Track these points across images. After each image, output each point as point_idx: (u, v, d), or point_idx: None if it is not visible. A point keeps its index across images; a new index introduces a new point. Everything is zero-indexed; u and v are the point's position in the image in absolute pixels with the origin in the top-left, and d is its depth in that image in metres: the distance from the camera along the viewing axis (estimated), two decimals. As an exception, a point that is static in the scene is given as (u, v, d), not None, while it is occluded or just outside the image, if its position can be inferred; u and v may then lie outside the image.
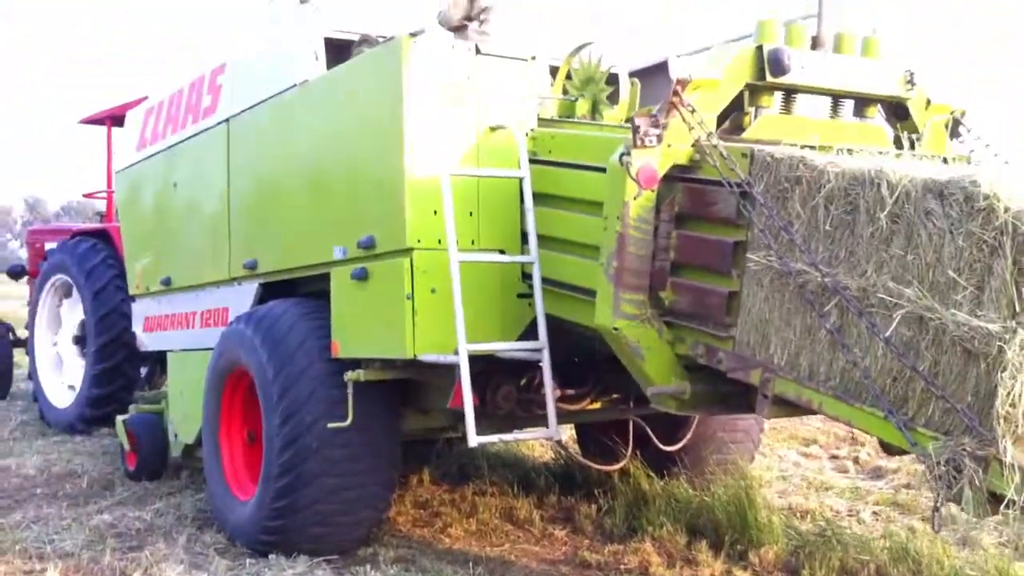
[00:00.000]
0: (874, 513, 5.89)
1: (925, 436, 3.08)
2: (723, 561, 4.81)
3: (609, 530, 5.48)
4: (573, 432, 6.83)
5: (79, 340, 9.06)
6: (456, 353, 4.16)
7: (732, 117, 4.18)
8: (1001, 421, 2.87)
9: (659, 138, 3.62)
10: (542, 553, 5.17)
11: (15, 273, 11.19)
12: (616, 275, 3.83)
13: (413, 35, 4.36)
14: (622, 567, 4.84)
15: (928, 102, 4.44)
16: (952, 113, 4.51)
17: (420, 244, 4.33)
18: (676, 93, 3.78)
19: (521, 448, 7.30)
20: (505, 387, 4.89)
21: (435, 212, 4.28)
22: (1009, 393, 2.86)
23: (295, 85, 5.14)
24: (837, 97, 4.34)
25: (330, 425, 4.58)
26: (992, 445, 2.88)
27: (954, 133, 4.52)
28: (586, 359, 4.99)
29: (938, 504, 3.05)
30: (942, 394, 3.00)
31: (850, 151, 3.90)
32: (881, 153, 4.07)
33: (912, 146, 4.40)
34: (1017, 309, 2.89)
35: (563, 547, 5.28)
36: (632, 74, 5.20)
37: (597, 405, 5.45)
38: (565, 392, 5.12)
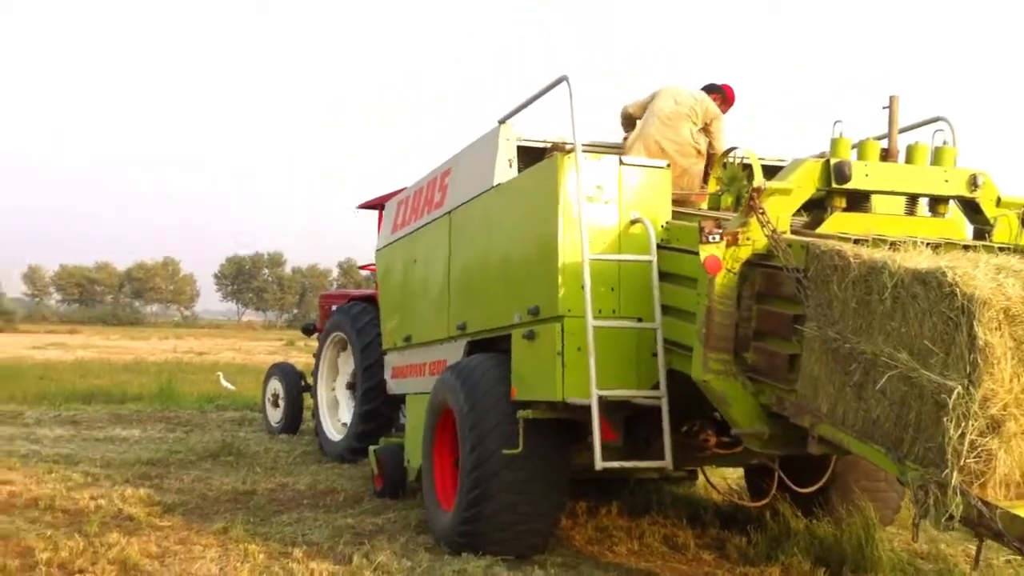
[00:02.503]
0: (1007, 560, 6.43)
1: (911, 468, 3.98)
2: (833, 584, 5.66)
3: (751, 557, 6.40)
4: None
5: (351, 386, 10.94)
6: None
7: (814, 215, 5.19)
8: (951, 455, 3.74)
9: (721, 236, 4.71)
10: (684, 570, 6.16)
11: (308, 331, 13.46)
12: (705, 338, 4.93)
13: (567, 153, 5.67)
14: (744, 583, 5.80)
15: (999, 199, 5.21)
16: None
17: (569, 313, 5.58)
18: (752, 199, 4.86)
19: (699, 490, 8.30)
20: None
21: (582, 287, 5.53)
22: (959, 434, 3.74)
23: (493, 187, 6.58)
24: (913, 197, 5.23)
25: (505, 451, 5.89)
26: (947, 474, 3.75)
27: (1025, 224, 5.26)
28: None
29: (915, 520, 3.93)
30: (911, 434, 3.90)
31: (913, 243, 4.80)
32: (945, 243, 4.93)
33: (982, 237, 5.20)
34: (969, 371, 3.76)
35: (706, 568, 6.25)
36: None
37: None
38: (721, 439, 6.14)
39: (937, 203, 5.27)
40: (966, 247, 4.95)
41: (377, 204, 10.67)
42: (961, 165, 5.43)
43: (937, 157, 5.23)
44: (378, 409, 9.97)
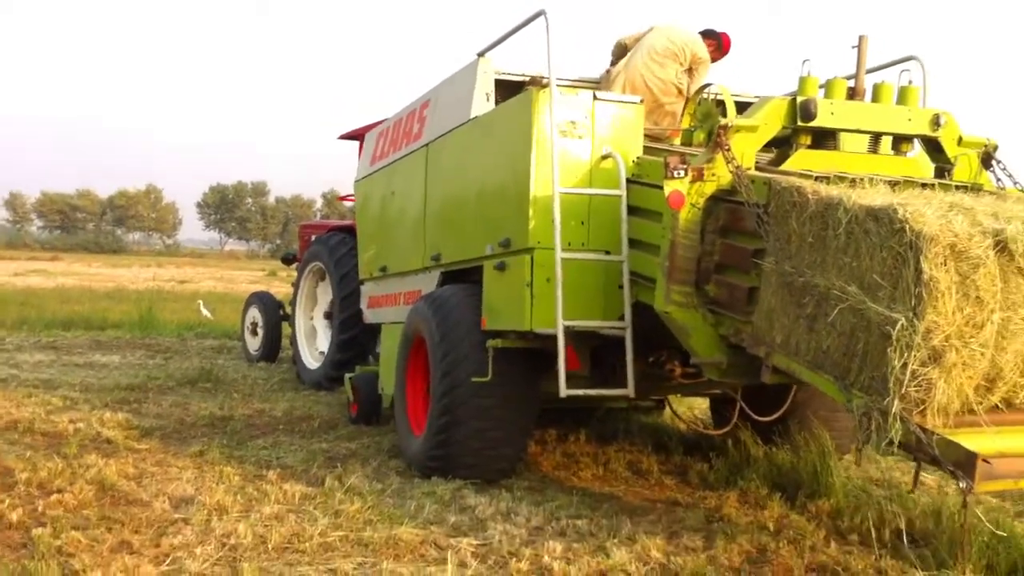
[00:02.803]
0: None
1: (857, 396, 4.15)
2: (786, 508, 5.87)
3: (711, 482, 6.62)
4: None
5: (328, 316, 11.08)
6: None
7: (780, 151, 5.30)
8: (893, 384, 3.91)
9: (686, 171, 4.82)
10: (647, 495, 6.37)
11: (287, 260, 13.54)
12: (668, 271, 5.07)
13: (542, 87, 5.75)
14: (702, 507, 5.99)
15: (960, 139, 5.33)
16: (985, 147, 5.38)
17: (539, 244, 5.70)
18: (719, 135, 4.97)
19: (666, 420, 8.53)
20: (634, 363, 6.18)
21: (552, 220, 5.64)
22: (902, 364, 3.90)
23: (470, 119, 6.65)
24: (876, 136, 5.34)
25: (474, 379, 6.05)
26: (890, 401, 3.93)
27: (986, 164, 5.39)
28: None
29: (859, 446, 4.12)
30: (858, 364, 4.07)
31: (872, 180, 4.93)
32: (904, 181, 5.07)
33: (943, 175, 5.33)
34: (914, 303, 3.92)
35: (667, 492, 6.46)
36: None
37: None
38: (686, 370, 6.31)
39: (900, 142, 5.39)
40: (924, 185, 5.08)
41: (359, 135, 10.69)
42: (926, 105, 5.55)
43: (902, 97, 5.33)
44: (355, 338, 10.11)
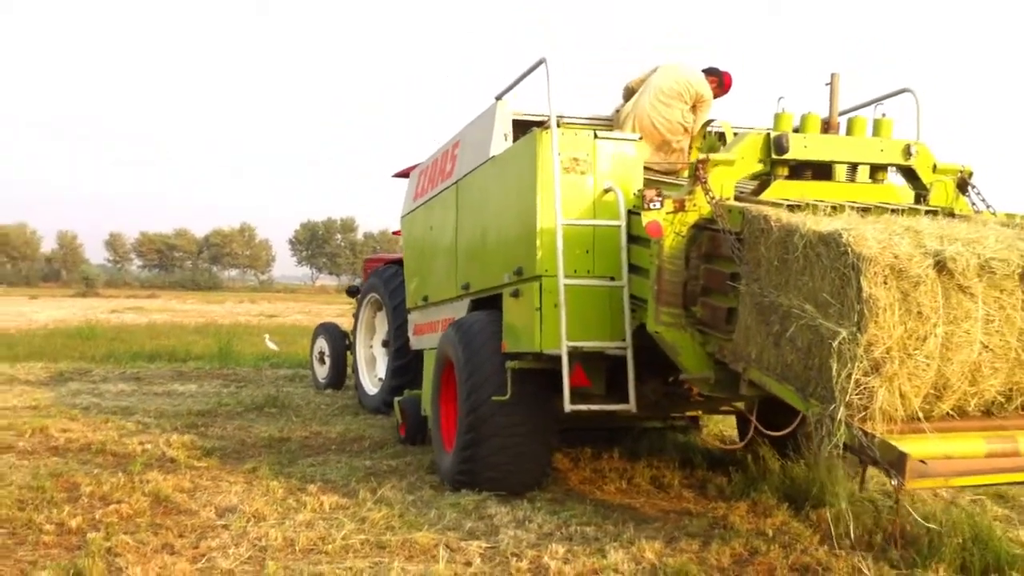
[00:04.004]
0: (972, 503, 6.89)
1: (813, 405, 4.52)
2: (789, 517, 6.19)
3: (727, 495, 6.95)
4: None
5: (386, 344, 11.69)
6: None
7: (760, 183, 5.70)
8: (838, 392, 4.28)
9: (661, 203, 5.26)
10: (663, 506, 6.73)
11: (351, 292, 14.22)
12: (656, 294, 5.50)
13: (544, 129, 6.24)
14: (709, 516, 6.35)
15: (935, 166, 5.67)
16: (960, 173, 5.70)
17: (547, 273, 6.18)
18: (698, 169, 5.40)
19: (698, 439, 8.87)
20: (653, 382, 6.62)
21: (556, 250, 6.11)
22: (846, 374, 4.27)
23: (489, 158, 7.18)
24: (854, 166, 5.71)
25: (494, 398, 6.53)
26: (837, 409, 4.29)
27: (962, 189, 5.70)
28: None
29: (816, 450, 4.47)
30: (814, 375, 4.45)
31: (842, 208, 5.30)
32: (878, 207, 5.42)
33: (918, 201, 5.67)
34: (857, 319, 4.29)
35: (685, 504, 6.80)
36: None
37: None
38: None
39: (876, 171, 5.74)
40: (895, 210, 5.42)
41: (407, 173, 11.28)
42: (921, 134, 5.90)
43: (876, 129, 5.69)
44: (408, 365, 10.66)
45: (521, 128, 7.24)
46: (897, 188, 5.80)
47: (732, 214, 5.23)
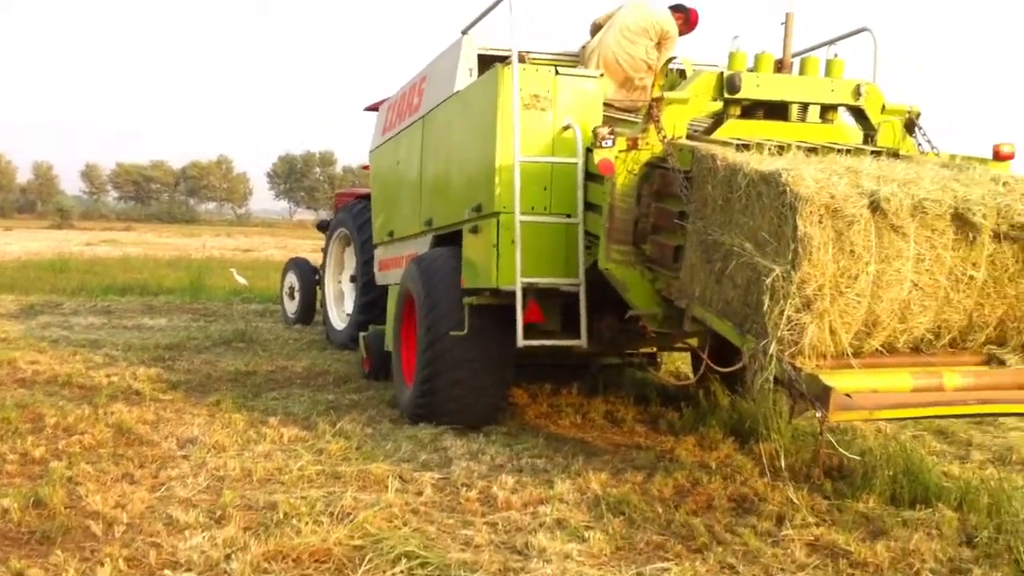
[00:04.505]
0: (914, 438, 7.12)
1: (749, 341, 4.67)
2: (733, 451, 6.40)
3: (676, 429, 7.15)
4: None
5: (354, 279, 11.78)
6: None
7: (713, 121, 5.79)
8: (770, 328, 4.42)
9: (613, 141, 5.34)
10: (616, 440, 6.92)
11: (322, 227, 14.26)
12: (608, 231, 5.61)
13: (506, 64, 6.28)
14: (657, 449, 6.54)
15: (883, 107, 5.76)
16: (908, 114, 5.80)
17: (504, 209, 6.26)
18: (652, 108, 5.47)
19: (655, 376, 9.07)
20: (609, 318, 6.75)
21: (519, 188, 6.18)
22: (779, 310, 4.40)
23: (454, 93, 7.21)
24: (804, 105, 5.80)
25: (451, 333, 6.65)
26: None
27: (909, 130, 5.81)
28: None
29: (749, 384, 4.64)
30: (751, 312, 4.59)
31: (789, 147, 5.41)
32: (824, 147, 5.53)
33: (866, 141, 5.77)
34: (791, 257, 4.41)
35: (636, 438, 7.00)
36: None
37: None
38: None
39: (826, 111, 5.83)
40: (842, 150, 5.53)
41: (377, 107, 11.27)
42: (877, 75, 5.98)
43: (829, 69, 5.77)
44: (375, 300, 10.73)
45: (487, 64, 7.26)
46: (847, 128, 5.90)
47: (682, 153, 5.33)
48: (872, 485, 5.41)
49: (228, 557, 4.14)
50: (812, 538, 4.72)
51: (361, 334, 9.37)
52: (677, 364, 9.87)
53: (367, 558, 4.18)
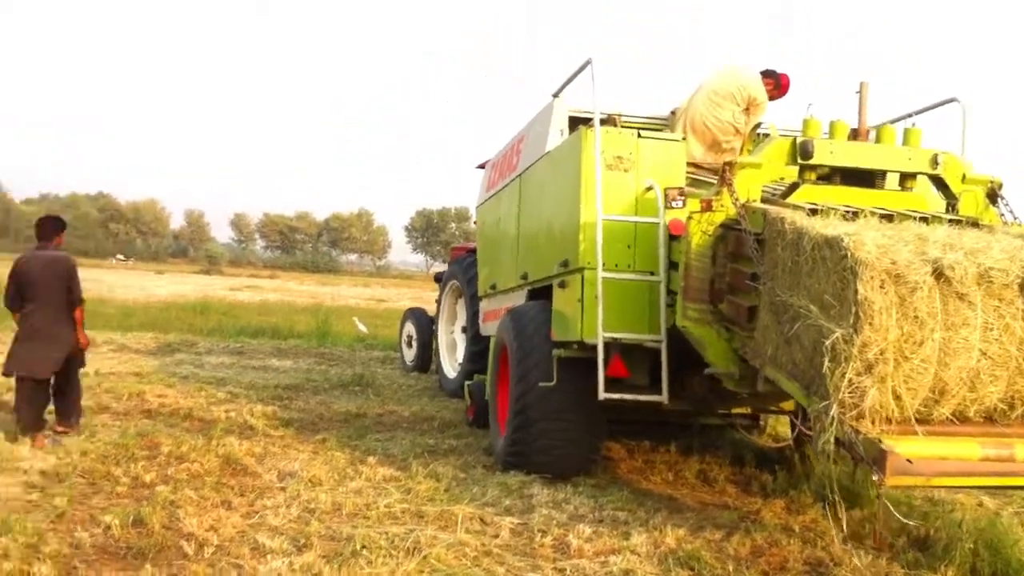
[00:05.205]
0: (1016, 514, 6.94)
1: (815, 402, 4.76)
2: (822, 515, 6.36)
3: (768, 491, 7.15)
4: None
5: (464, 330, 12.17)
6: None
7: (789, 186, 5.93)
8: (832, 390, 4.51)
9: (684, 203, 5.53)
10: (704, 499, 6.96)
11: (439, 279, 14.75)
12: (684, 290, 5.78)
13: (589, 127, 6.55)
14: (745, 509, 6.56)
15: (964, 176, 5.79)
16: (990, 184, 5.82)
17: (588, 265, 6.49)
18: (725, 171, 5.66)
19: (755, 438, 9.06)
20: (700, 377, 6.89)
21: (601, 245, 6.42)
22: (841, 373, 4.50)
23: (545, 154, 7.53)
24: (883, 173, 5.88)
25: (541, 384, 6.89)
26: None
27: (992, 200, 5.82)
28: None
29: (813, 446, 4.72)
30: (816, 373, 4.69)
31: (871, 212, 5.50)
32: (899, 214, 5.59)
33: (949, 210, 5.81)
34: (853, 321, 4.51)
35: (725, 498, 7.01)
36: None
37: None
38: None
39: (905, 179, 5.90)
40: (921, 218, 5.57)
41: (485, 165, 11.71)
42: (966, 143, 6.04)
43: (906, 138, 5.85)
44: (482, 351, 11.06)
45: (580, 125, 7.57)
46: (928, 197, 5.94)
47: (754, 215, 5.48)
48: (952, 557, 5.36)
49: (303, 581, 4.46)
50: (875, 603, 4.73)
51: (466, 382, 9.70)
52: (780, 427, 9.82)
53: (431, 591, 4.43)
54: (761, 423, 9.43)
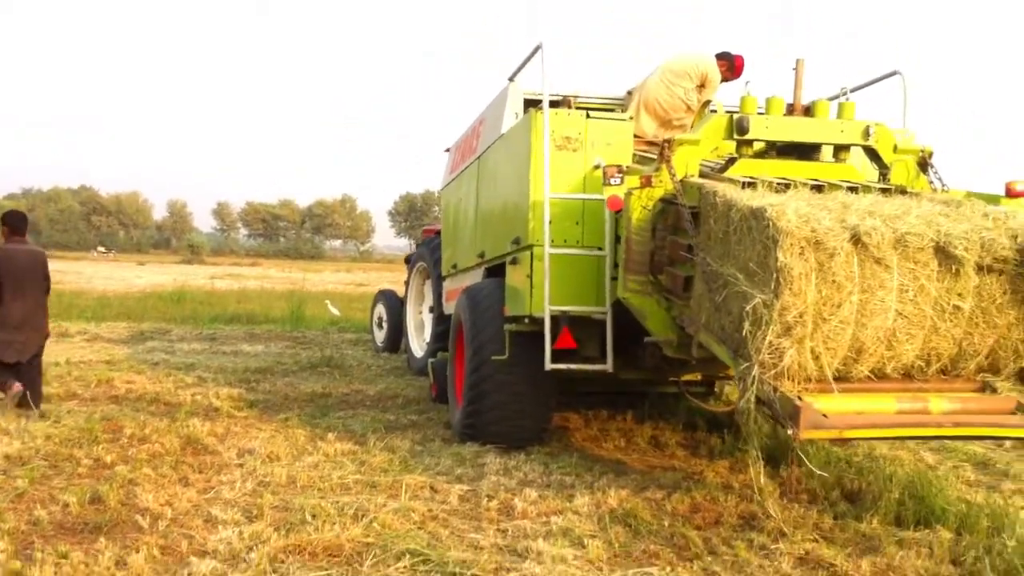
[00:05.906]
0: (953, 468, 7.19)
1: (739, 363, 4.96)
2: (766, 475, 6.57)
3: (716, 453, 7.38)
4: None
5: (432, 310, 12.33)
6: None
7: (727, 161, 6.11)
8: (753, 352, 4.71)
9: (621, 180, 5.71)
10: (652, 462, 7.20)
11: (408, 261, 14.91)
12: (625, 263, 5.97)
13: (538, 109, 6.72)
14: (689, 470, 6.79)
15: (895, 147, 5.99)
16: (920, 153, 6.02)
17: (537, 242, 6.68)
18: (664, 149, 5.83)
19: (711, 403, 9.28)
20: (650, 346, 7.08)
21: (548, 222, 6.61)
22: (762, 336, 4.69)
23: (500, 136, 7.70)
24: (816, 146, 6.07)
25: (493, 358, 7.08)
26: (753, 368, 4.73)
27: (923, 169, 6.02)
28: None
29: (741, 405, 4.92)
30: (741, 337, 4.88)
31: (803, 183, 5.69)
32: (829, 184, 5.78)
33: (880, 179, 6.00)
34: (773, 286, 4.70)
35: (675, 462, 7.25)
36: None
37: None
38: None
39: (838, 151, 6.09)
40: (851, 188, 5.77)
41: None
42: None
43: (839, 111, 6.05)
44: (448, 330, 11.24)
45: (535, 107, 7.73)
46: (859, 168, 6.13)
47: (691, 190, 5.66)
48: (879, 507, 5.60)
49: (250, 549, 4.64)
50: (803, 552, 4.96)
51: (430, 360, 9.88)
52: (733, 394, 10.04)
53: (374, 553, 4.62)
54: (716, 390, 9.66)
